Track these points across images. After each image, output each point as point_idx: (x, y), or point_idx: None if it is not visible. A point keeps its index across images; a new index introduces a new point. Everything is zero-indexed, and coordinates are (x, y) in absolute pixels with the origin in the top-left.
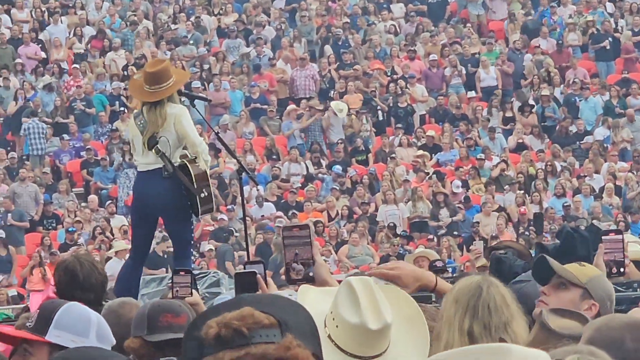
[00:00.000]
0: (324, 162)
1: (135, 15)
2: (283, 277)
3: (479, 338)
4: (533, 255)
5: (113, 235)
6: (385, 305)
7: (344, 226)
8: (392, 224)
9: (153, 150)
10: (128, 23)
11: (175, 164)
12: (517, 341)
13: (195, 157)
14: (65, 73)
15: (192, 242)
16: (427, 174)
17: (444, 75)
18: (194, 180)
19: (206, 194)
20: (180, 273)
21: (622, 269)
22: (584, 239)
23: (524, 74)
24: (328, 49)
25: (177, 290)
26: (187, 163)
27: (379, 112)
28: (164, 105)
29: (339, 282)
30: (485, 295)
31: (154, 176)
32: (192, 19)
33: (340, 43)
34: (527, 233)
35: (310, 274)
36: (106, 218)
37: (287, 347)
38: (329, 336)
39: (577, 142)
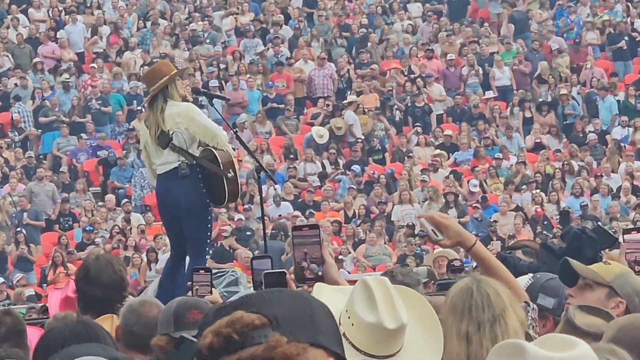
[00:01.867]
0: (341, 162)
1: (155, 14)
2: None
3: (473, 337)
4: (541, 255)
5: (131, 233)
6: (401, 305)
7: (358, 226)
8: (410, 224)
9: (168, 147)
10: (145, 22)
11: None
12: (508, 332)
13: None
14: (83, 72)
15: (209, 241)
16: (436, 170)
17: (462, 74)
18: (220, 164)
19: (233, 174)
20: (200, 272)
21: None
22: (591, 240)
23: (540, 74)
24: (346, 47)
25: (197, 289)
26: (213, 149)
27: (396, 111)
28: (159, 103)
29: (352, 282)
30: (476, 294)
31: (171, 177)
32: (212, 18)
33: (357, 42)
34: (545, 232)
35: (320, 273)
36: (125, 217)
37: (273, 346)
38: (344, 334)
39: (585, 140)
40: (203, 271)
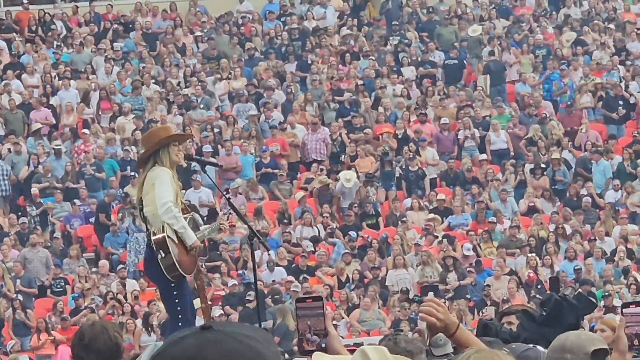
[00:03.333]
0: (335, 226)
1: (144, 79)
2: (295, 347)
3: None
4: (522, 321)
5: (126, 299)
6: None
7: (352, 290)
8: (405, 289)
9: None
10: (138, 87)
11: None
12: None
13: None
14: (77, 138)
15: (179, 309)
16: (436, 237)
17: (456, 138)
18: (152, 244)
19: (163, 255)
20: None
21: None
22: (572, 307)
23: (531, 137)
24: (339, 112)
25: None
26: (163, 226)
27: (396, 168)
28: (147, 168)
29: (350, 350)
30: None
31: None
32: (205, 83)
33: (350, 106)
34: (538, 296)
35: (323, 345)
36: (120, 282)
37: None
38: None
39: (579, 203)
40: None
